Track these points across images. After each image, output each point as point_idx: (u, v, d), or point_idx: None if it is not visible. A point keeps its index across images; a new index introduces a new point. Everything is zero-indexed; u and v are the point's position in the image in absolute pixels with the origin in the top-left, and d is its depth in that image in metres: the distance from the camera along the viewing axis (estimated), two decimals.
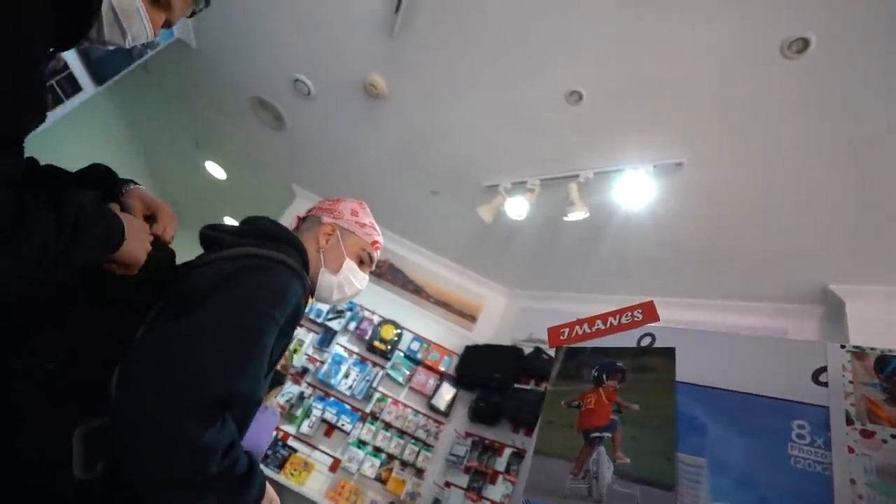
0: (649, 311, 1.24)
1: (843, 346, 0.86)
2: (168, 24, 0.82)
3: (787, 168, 2.14)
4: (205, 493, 0.64)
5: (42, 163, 0.79)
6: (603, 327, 1.30)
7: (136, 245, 0.70)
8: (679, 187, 2.48)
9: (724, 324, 2.90)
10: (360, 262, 1.11)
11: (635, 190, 2.50)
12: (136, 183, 0.93)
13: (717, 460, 0.96)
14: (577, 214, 2.64)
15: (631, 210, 2.70)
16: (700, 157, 2.30)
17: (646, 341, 1.23)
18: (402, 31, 2.37)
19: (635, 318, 1.27)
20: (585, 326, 1.32)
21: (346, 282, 1.06)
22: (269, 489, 0.80)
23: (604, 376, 1.21)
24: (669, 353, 1.16)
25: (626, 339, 1.24)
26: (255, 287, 0.77)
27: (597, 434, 1.12)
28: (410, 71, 2.60)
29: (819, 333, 2.58)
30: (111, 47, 0.79)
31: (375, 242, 1.13)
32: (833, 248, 2.38)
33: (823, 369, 0.87)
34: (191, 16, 0.87)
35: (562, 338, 1.36)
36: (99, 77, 2.69)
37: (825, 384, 0.85)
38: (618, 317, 1.29)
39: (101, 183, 0.86)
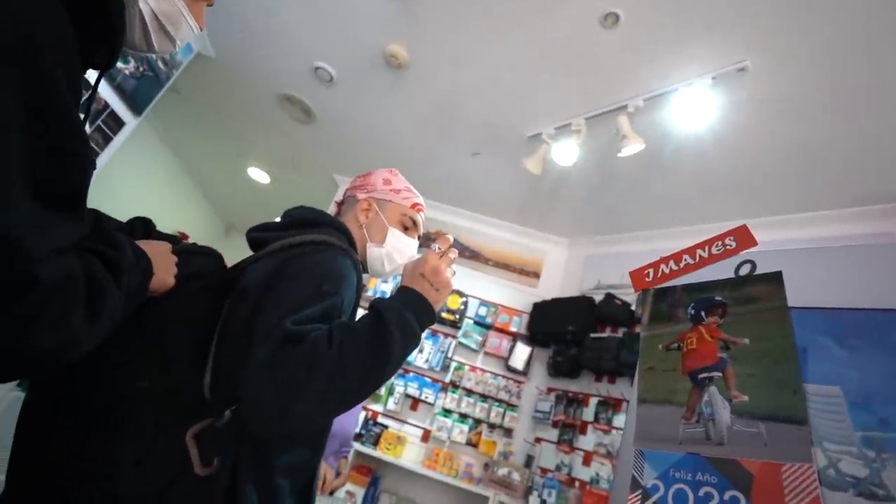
0: (743, 237, 1.12)
1: None
2: (209, 4, 0.79)
3: (872, 45, 1.85)
4: (344, 375, 0.67)
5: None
6: (692, 262, 1.19)
7: (163, 274, 0.72)
8: (745, 97, 2.23)
9: (816, 238, 2.64)
10: (406, 229, 1.09)
11: (695, 108, 2.28)
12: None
13: (852, 387, 0.86)
14: (631, 148, 2.46)
15: (691, 132, 2.48)
16: (766, 57, 2.04)
17: (744, 269, 1.12)
18: None
19: (728, 247, 1.15)
20: (672, 264, 1.22)
21: (394, 250, 1.05)
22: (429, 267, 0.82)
23: (702, 313, 1.12)
24: (776, 277, 1.05)
25: (721, 271, 1.14)
26: (300, 276, 0.77)
27: (705, 374, 1.04)
28: (429, 33, 2.47)
29: None
30: (164, 55, 0.77)
31: (416, 205, 1.10)
32: None
33: None
34: None
35: (647, 280, 1.27)
36: (136, 107, 2.79)
37: None
38: (707, 248, 1.18)
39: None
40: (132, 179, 4.19)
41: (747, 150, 2.52)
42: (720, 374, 1.03)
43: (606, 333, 3.29)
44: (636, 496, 1.02)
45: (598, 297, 3.43)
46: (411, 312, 0.76)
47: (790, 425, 0.89)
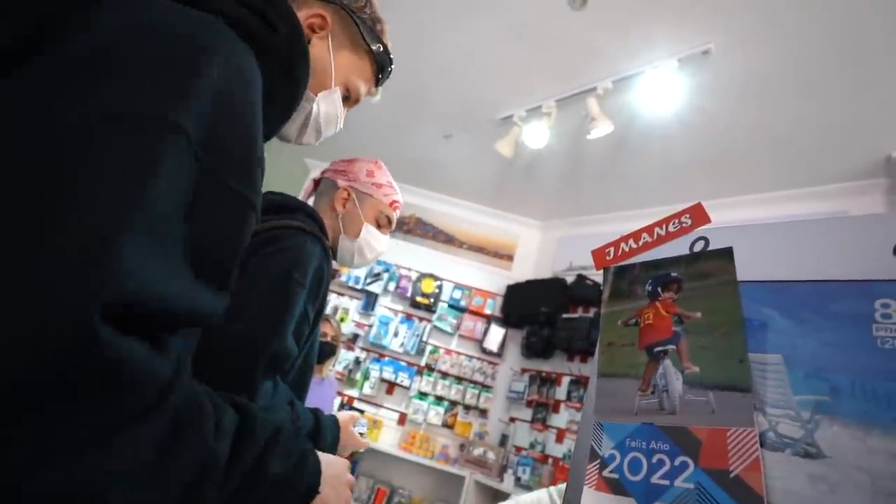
0: (698, 214, 1.14)
1: None
2: (351, 107, 0.82)
3: (832, 27, 1.90)
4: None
5: None
6: (650, 240, 1.21)
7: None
8: (709, 79, 2.27)
9: (778, 217, 2.74)
10: (379, 226, 1.10)
11: (661, 91, 2.31)
12: None
13: (794, 354, 0.90)
14: (601, 130, 2.48)
15: (658, 114, 2.52)
16: (729, 39, 2.08)
17: (699, 246, 1.15)
18: None
19: (683, 224, 1.17)
20: (631, 242, 1.24)
21: (366, 246, 1.07)
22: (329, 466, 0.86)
23: (658, 289, 1.14)
24: (727, 253, 1.07)
25: (678, 248, 1.17)
26: (273, 256, 0.81)
27: (660, 348, 1.07)
28: (395, 11, 2.42)
29: (885, 208, 2.39)
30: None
31: (394, 203, 1.11)
32: (892, 112, 2.15)
33: None
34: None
35: (608, 258, 1.28)
36: None
37: None
38: (664, 226, 1.19)
39: None
40: None
41: (711, 133, 2.58)
42: (674, 347, 1.05)
43: (578, 314, 3.36)
44: (594, 466, 1.05)
45: (570, 279, 3.49)
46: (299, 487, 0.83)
47: (736, 393, 0.92)
